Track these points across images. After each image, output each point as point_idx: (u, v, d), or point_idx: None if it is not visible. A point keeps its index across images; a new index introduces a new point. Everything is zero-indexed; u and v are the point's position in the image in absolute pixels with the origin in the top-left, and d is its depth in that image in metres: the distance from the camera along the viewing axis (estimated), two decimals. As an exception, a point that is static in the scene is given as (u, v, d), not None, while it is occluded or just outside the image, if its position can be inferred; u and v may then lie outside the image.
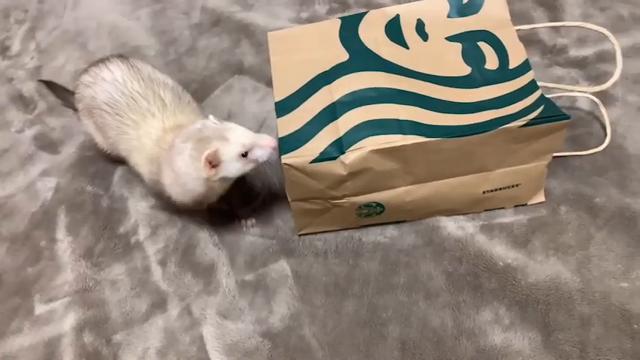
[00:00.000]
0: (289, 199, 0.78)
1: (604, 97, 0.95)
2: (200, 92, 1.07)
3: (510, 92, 0.76)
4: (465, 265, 0.79)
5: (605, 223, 0.81)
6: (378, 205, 0.80)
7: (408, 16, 0.86)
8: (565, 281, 0.76)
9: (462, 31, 0.83)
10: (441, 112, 0.74)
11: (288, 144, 0.73)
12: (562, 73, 1.01)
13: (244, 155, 0.72)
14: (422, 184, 0.78)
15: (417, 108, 0.75)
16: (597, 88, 0.83)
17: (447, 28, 0.84)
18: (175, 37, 1.18)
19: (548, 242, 0.80)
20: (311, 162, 0.72)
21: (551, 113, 0.72)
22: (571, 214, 0.82)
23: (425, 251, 0.81)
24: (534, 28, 0.86)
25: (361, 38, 0.84)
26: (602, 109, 0.92)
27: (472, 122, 0.73)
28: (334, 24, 0.87)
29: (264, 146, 0.73)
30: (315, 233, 0.85)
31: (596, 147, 0.89)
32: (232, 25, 1.19)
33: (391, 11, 0.87)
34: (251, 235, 0.86)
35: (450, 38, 0.83)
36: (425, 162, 0.74)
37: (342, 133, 0.73)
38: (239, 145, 0.72)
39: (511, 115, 0.73)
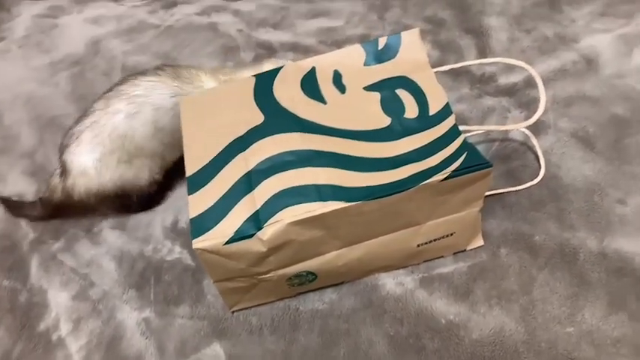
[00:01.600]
0: (212, 281, 0.73)
1: (535, 125, 0.94)
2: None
3: (431, 141, 0.73)
4: (407, 326, 0.75)
5: (546, 262, 0.78)
6: (310, 273, 0.75)
7: (325, 69, 0.83)
8: (510, 333, 0.72)
9: (380, 79, 0.80)
10: (361, 172, 0.71)
11: (199, 225, 0.69)
12: (493, 103, 0.99)
13: None
14: (352, 247, 0.74)
15: (335, 169, 0.71)
16: (521, 125, 0.81)
17: (365, 78, 0.81)
18: (96, 102, 1.13)
19: (490, 290, 0.77)
20: (225, 243, 0.67)
21: (473, 162, 0.69)
22: (512, 256, 0.80)
23: (365, 315, 0.77)
24: (452, 68, 0.83)
25: (276, 97, 0.80)
26: (534, 141, 0.90)
27: (393, 180, 0.69)
28: (248, 83, 0.83)
29: None
30: (250, 308, 0.80)
31: (532, 180, 0.87)
32: (154, 83, 1.14)
33: (306, 64, 0.84)
34: (181, 317, 0.80)
35: (368, 88, 0.80)
36: (349, 225, 0.71)
37: (258, 206, 0.69)
38: None
39: (432, 167, 0.70)
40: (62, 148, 0.88)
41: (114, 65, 1.19)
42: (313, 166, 0.72)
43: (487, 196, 0.85)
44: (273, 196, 0.70)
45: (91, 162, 0.85)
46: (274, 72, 0.84)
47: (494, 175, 0.88)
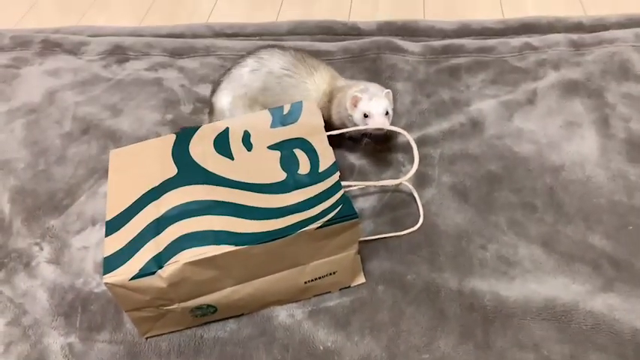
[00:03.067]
0: (123, 310, 0.85)
1: (422, 178, 1.09)
2: (66, 200, 1.14)
3: (316, 194, 0.87)
4: (291, 352, 0.87)
5: (414, 298, 0.92)
6: (210, 306, 0.88)
7: (237, 129, 0.97)
8: (374, 359, 0.85)
9: (282, 139, 0.95)
10: (253, 219, 0.84)
11: (111, 263, 0.81)
12: (391, 158, 1.14)
13: (365, 116, 1.03)
14: (245, 284, 0.87)
15: (231, 217, 0.85)
16: (397, 181, 0.96)
17: (270, 138, 0.95)
18: (47, 147, 1.26)
19: (365, 322, 0.90)
20: (131, 279, 0.80)
21: (345, 213, 0.83)
22: (387, 292, 0.93)
23: (258, 342, 0.89)
24: (342, 132, 0.98)
25: (190, 152, 0.95)
26: (415, 193, 1.05)
27: (278, 227, 0.83)
28: (169, 139, 0.98)
29: (377, 122, 1.02)
30: (161, 335, 0.92)
31: (412, 226, 1.01)
32: (100, 132, 1.28)
33: (221, 125, 0.98)
34: (101, 342, 0.92)
35: (271, 147, 0.94)
36: (241, 266, 0.84)
37: (161, 249, 0.82)
38: (367, 107, 1.03)
39: (312, 217, 0.83)
40: (211, 92, 1.17)
41: (66, 115, 1.32)
42: (213, 214, 0.85)
43: (373, 239, 0.99)
44: (175, 239, 0.83)
45: (226, 104, 1.12)
46: (193, 130, 0.98)
47: (382, 221, 1.03)
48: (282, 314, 0.92)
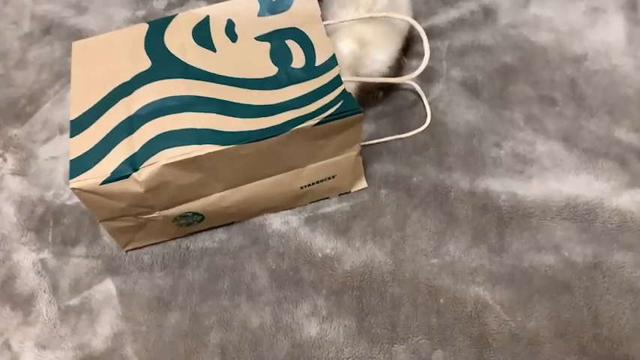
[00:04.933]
0: (97, 221, 0.78)
1: (428, 74, 0.99)
2: (29, 107, 1.04)
3: (313, 90, 0.77)
4: (287, 260, 0.82)
5: (421, 201, 0.85)
6: (195, 214, 0.81)
7: (218, 17, 0.86)
8: (378, 265, 0.79)
9: (271, 29, 0.84)
10: (241, 117, 0.75)
11: (78, 166, 0.73)
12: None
13: None
14: (235, 189, 0.79)
15: (216, 115, 0.75)
16: (407, 78, 0.86)
17: (257, 28, 0.84)
18: (5, 50, 1.14)
19: (366, 227, 0.83)
20: (102, 183, 0.71)
21: (347, 108, 0.74)
22: (390, 196, 0.86)
23: (250, 251, 0.83)
24: (342, 21, 0.87)
25: (166, 44, 0.84)
26: (420, 91, 0.95)
27: (269, 125, 0.74)
28: (141, 29, 0.86)
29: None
30: (143, 247, 0.85)
31: (418, 127, 0.92)
32: (64, 32, 1.15)
33: (201, 13, 0.87)
34: (76, 257, 0.85)
35: (259, 38, 0.83)
36: (228, 169, 0.76)
37: (137, 149, 0.73)
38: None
39: (309, 114, 0.74)
40: None
41: (23, 14, 1.19)
42: (194, 111, 0.76)
43: (374, 143, 0.91)
44: (152, 139, 0.74)
45: None
46: (167, 20, 0.87)
47: (385, 123, 0.94)
48: (276, 222, 0.86)
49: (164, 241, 0.85)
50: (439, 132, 0.92)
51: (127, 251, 0.85)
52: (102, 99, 0.79)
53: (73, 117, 0.78)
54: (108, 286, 0.82)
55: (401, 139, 0.92)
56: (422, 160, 0.89)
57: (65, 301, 0.81)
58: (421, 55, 0.84)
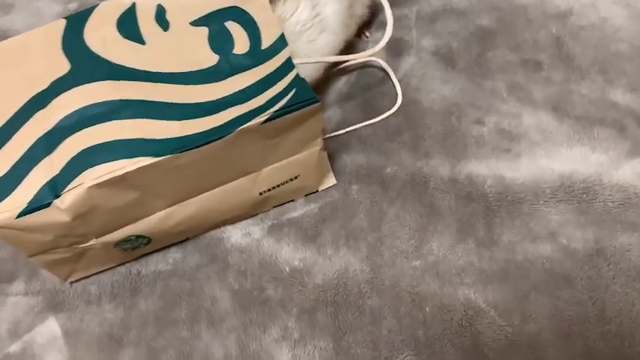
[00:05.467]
0: (26, 256, 0.69)
1: (397, 46, 0.89)
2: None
3: (261, 79, 0.67)
4: (251, 278, 0.72)
5: (398, 194, 0.76)
6: (140, 237, 0.71)
7: (146, 4, 0.75)
8: (354, 274, 0.71)
9: (208, 11, 0.73)
10: (178, 120, 0.65)
11: (-9, 196, 0.63)
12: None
13: None
14: (181, 204, 0.69)
15: (147, 120, 0.65)
16: (367, 53, 0.75)
17: (192, 11, 0.73)
18: None
19: (339, 230, 0.74)
20: (18, 216, 0.62)
21: (301, 98, 0.64)
22: (363, 191, 0.77)
23: (209, 271, 0.74)
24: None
25: (86, 41, 0.73)
26: (388, 68, 0.85)
27: (211, 126, 0.64)
28: (58, 26, 0.75)
29: None
30: (89, 276, 0.76)
31: (389, 109, 0.83)
32: (-12, 36, 1.04)
33: (126, 0, 0.76)
34: (14, 295, 0.76)
35: (195, 23, 0.73)
36: (169, 182, 0.66)
37: (58, 170, 0.63)
38: None
39: (256, 109, 0.64)
40: None
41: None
42: (123, 118, 0.66)
43: (342, 133, 0.81)
44: (75, 156, 0.64)
45: None
46: (88, 12, 0.76)
47: (351, 107, 0.84)
48: (236, 234, 0.76)
49: (112, 268, 0.76)
50: (413, 112, 0.82)
51: (71, 283, 0.76)
52: (15, 113, 0.68)
53: (-19, 139, 0.68)
54: (51, 326, 0.73)
55: (371, 124, 0.82)
56: (396, 146, 0.79)
57: (4, 349, 0.72)
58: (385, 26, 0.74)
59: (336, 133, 0.81)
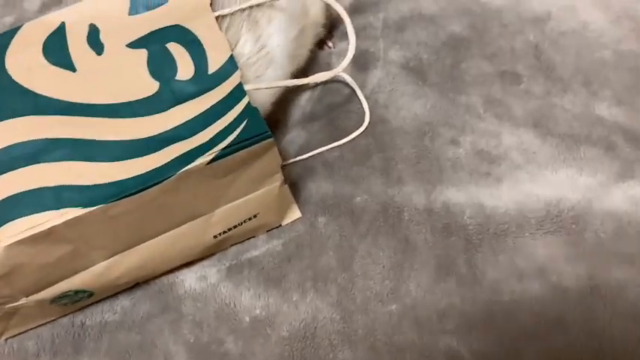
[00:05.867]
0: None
1: (363, 58, 0.79)
2: None
3: (208, 109, 0.57)
4: (207, 330, 0.63)
5: (369, 228, 0.66)
6: (79, 291, 0.61)
7: (77, 23, 0.63)
8: (323, 323, 0.61)
9: (147, 31, 0.62)
10: (111, 161, 0.54)
11: None
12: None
13: None
14: (123, 254, 0.59)
15: (76, 163, 0.54)
16: (329, 74, 0.63)
17: (129, 31, 0.62)
18: None
19: (305, 271, 0.65)
20: None
21: (250, 134, 0.54)
22: (331, 224, 0.67)
23: (161, 322, 0.64)
24: (242, 8, 0.65)
25: (8, 68, 0.61)
26: (353, 84, 0.75)
27: (149, 168, 0.53)
28: (-25, 51, 0.64)
29: None
30: (25, 332, 0.65)
31: (356, 129, 0.73)
32: None
33: (54, 20, 0.64)
34: (-60, 356, 0.65)
35: (133, 44, 0.62)
36: (104, 232, 0.55)
37: (-28, 224, 0.53)
38: None
39: (202, 145, 0.54)
40: None
41: None
42: (47, 161, 0.55)
43: (306, 158, 0.72)
44: (-7, 207, 0.53)
45: None
46: (10, 34, 0.64)
47: (315, 129, 0.75)
48: (190, 277, 0.66)
49: (54, 320, 0.66)
50: (382, 133, 0.73)
51: (5, 339, 0.65)
52: None
53: None
54: (-19, 395, 0.62)
55: (337, 147, 0.72)
56: (365, 172, 0.70)
57: None
58: (357, 33, 0.64)
59: (299, 158, 0.72)
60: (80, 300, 0.63)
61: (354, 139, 0.73)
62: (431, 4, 0.84)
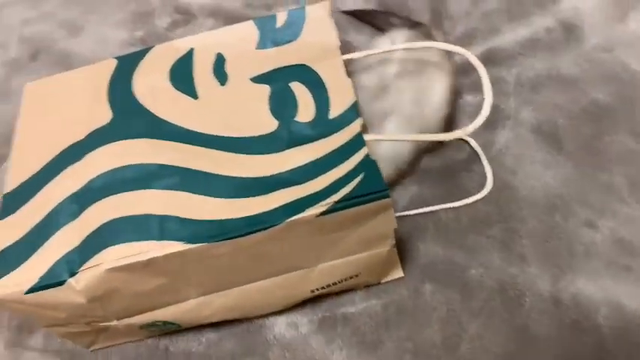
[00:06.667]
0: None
1: (492, 115, 0.70)
2: (4, 148, 0.81)
3: (324, 155, 0.50)
4: (292, 386, 0.55)
5: (482, 307, 0.56)
6: (168, 323, 0.56)
7: (206, 51, 0.60)
8: (420, 407, 0.52)
9: (273, 67, 0.57)
10: (219, 197, 0.49)
11: (1, 265, 0.49)
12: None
13: None
14: (217, 294, 0.53)
15: (184, 194, 0.50)
16: (454, 135, 0.55)
17: (254, 65, 0.57)
18: (-11, 79, 0.92)
19: (405, 341, 0.56)
20: (27, 292, 0.47)
21: (367, 190, 0.47)
22: (438, 295, 0.58)
23: (245, 365, 0.58)
24: (368, 55, 0.59)
25: (134, 88, 0.58)
26: (478, 149, 0.66)
27: (256, 212, 0.47)
28: (108, 67, 0.62)
29: None
30: (113, 345, 0.61)
31: (477, 192, 0.64)
32: (53, 56, 0.92)
33: (183, 45, 0.61)
34: (31, 350, 0.62)
35: (257, 79, 0.57)
36: (200, 272, 0.50)
37: (79, 241, 0.49)
38: None
39: (313, 194, 0.47)
40: None
41: (11, 36, 0.97)
42: (156, 187, 0.50)
43: (416, 214, 0.63)
44: (100, 228, 0.49)
45: None
46: (140, 54, 0.61)
47: (430, 185, 0.66)
48: (280, 323, 0.59)
49: (139, 340, 0.61)
50: (507, 200, 0.63)
51: (92, 351, 0.61)
52: (48, 162, 0.55)
53: (8, 190, 0.54)
54: (61, 403, 0.58)
55: (453, 208, 0.63)
56: (483, 242, 0.60)
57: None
58: (477, 87, 0.55)
59: (408, 213, 0.63)
60: (168, 330, 0.58)
61: (473, 202, 0.63)
62: (571, 65, 0.73)
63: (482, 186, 0.64)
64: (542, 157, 0.65)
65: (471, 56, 0.54)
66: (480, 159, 0.66)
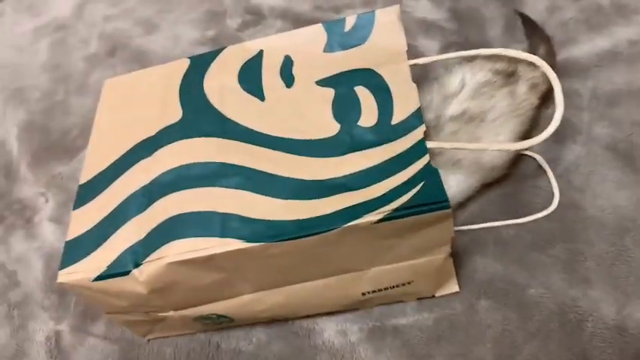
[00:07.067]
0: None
1: (563, 129, 0.67)
2: (79, 140, 0.87)
3: (384, 161, 0.50)
4: (338, 391, 0.56)
5: (539, 328, 0.54)
6: (221, 316, 0.57)
7: (274, 53, 0.61)
8: None
9: (339, 71, 0.58)
10: (279, 198, 0.50)
11: (72, 252, 0.52)
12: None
13: None
14: (271, 291, 0.55)
15: (247, 193, 0.51)
16: (523, 145, 0.54)
17: (321, 68, 0.58)
18: (70, 72, 0.99)
19: (455, 358, 0.55)
20: (95, 279, 0.50)
21: (428, 199, 0.46)
22: (494, 312, 0.57)
23: (292, 366, 0.59)
24: (436, 60, 0.58)
25: (205, 88, 0.61)
26: (545, 165, 0.64)
27: (314, 215, 0.48)
28: (181, 66, 0.65)
29: None
30: (166, 337, 0.64)
31: (542, 210, 0.61)
32: (129, 53, 0.97)
33: (254, 47, 0.63)
34: (94, 336, 0.66)
35: (322, 82, 0.58)
36: (258, 269, 0.51)
37: (144, 234, 0.51)
38: None
39: (372, 200, 0.48)
40: None
41: (92, 32, 1.03)
42: (221, 185, 0.52)
43: (476, 229, 0.62)
44: (164, 222, 0.51)
45: None
46: (212, 55, 0.64)
47: (491, 200, 0.64)
48: (330, 328, 0.60)
49: (192, 333, 0.63)
50: (573, 220, 0.60)
51: (148, 340, 0.64)
52: (122, 156, 0.58)
53: (82, 181, 0.58)
54: (120, 384, 0.62)
55: (515, 225, 0.61)
56: (545, 261, 0.58)
57: (68, 398, 0.63)
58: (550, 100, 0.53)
59: (467, 227, 0.62)
60: (221, 324, 0.60)
61: (537, 220, 0.61)
62: (654, 80, 0.69)
63: (547, 203, 0.62)
64: (614, 176, 0.62)
65: (544, 64, 0.52)
66: (546, 175, 0.64)
